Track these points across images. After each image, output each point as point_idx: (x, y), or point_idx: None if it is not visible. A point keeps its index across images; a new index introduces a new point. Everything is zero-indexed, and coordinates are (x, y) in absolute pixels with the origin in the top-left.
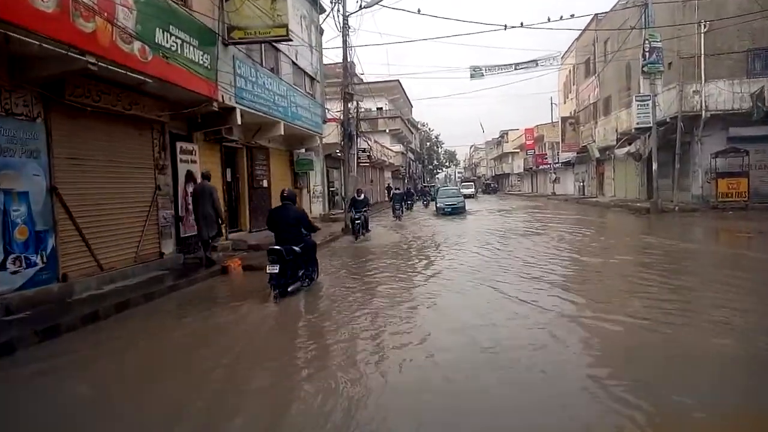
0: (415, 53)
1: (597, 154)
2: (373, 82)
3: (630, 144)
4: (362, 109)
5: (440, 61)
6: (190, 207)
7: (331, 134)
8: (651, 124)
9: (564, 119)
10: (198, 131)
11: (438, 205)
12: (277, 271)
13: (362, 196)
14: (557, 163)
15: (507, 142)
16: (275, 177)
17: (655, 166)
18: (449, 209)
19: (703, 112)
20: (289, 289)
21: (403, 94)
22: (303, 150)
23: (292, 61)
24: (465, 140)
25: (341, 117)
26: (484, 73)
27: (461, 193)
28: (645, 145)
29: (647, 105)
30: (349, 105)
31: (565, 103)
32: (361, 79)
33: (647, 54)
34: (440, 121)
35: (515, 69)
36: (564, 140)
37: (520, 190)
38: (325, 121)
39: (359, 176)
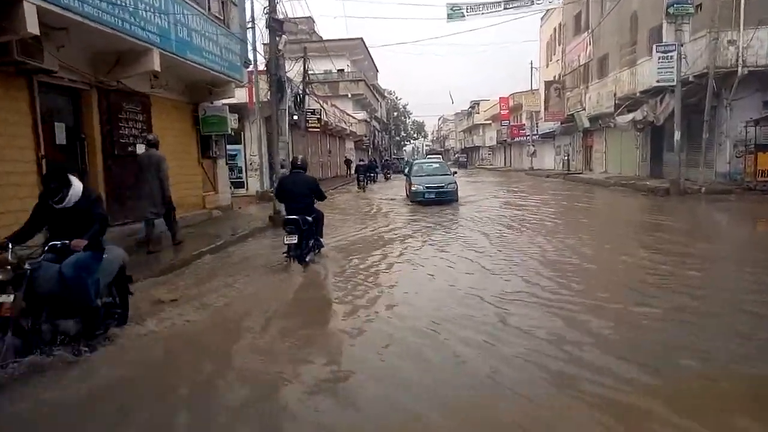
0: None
1: (586, 124)
2: (333, 40)
3: (633, 111)
4: (321, 71)
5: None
6: None
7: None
8: (674, 82)
9: (548, 84)
10: None
11: (413, 188)
12: (295, 241)
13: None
14: (536, 134)
15: (478, 113)
16: (165, 140)
17: (677, 136)
18: (432, 195)
19: (740, 68)
20: (306, 259)
21: (367, 55)
22: (220, 103)
23: None
24: (433, 111)
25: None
26: (465, 14)
27: (449, 169)
28: (655, 110)
29: (671, 57)
30: (281, 40)
31: (547, 66)
32: (320, 36)
33: None
34: (408, 94)
35: (504, 8)
36: (547, 108)
37: (491, 164)
38: (247, 65)
39: (310, 144)
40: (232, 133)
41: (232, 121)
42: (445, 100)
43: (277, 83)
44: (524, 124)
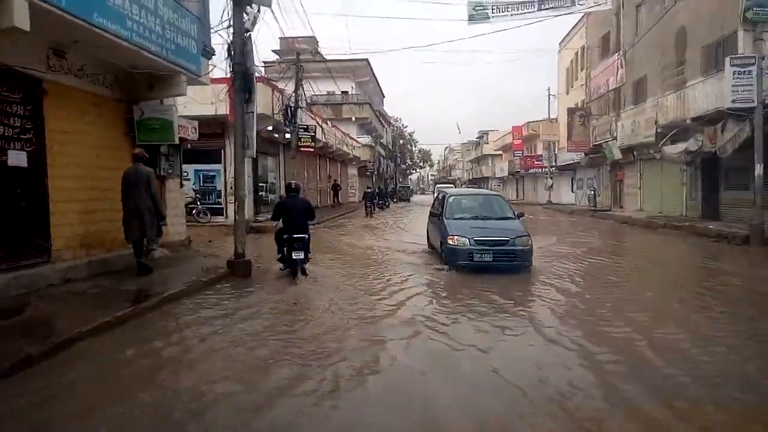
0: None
1: (617, 156)
2: (337, 60)
3: (681, 141)
4: (324, 92)
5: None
6: None
7: (265, 103)
8: (754, 103)
9: (571, 111)
10: None
11: (453, 243)
12: (302, 257)
13: None
14: (554, 166)
15: (487, 143)
16: (74, 148)
17: (758, 170)
18: (489, 257)
19: None
20: (306, 272)
21: (372, 78)
22: (171, 103)
23: None
24: (439, 140)
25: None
26: (490, 15)
27: (510, 209)
28: (714, 140)
29: (750, 73)
30: (250, 15)
31: (567, 94)
32: (323, 57)
33: None
34: (414, 120)
35: (539, 8)
36: (570, 137)
37: None
38: (209, 54)
39: (306, 167)
40: (188, 146)
41: (192, 130)
42: (452, 130)
43: (243, 77)
44: (540, 155)
